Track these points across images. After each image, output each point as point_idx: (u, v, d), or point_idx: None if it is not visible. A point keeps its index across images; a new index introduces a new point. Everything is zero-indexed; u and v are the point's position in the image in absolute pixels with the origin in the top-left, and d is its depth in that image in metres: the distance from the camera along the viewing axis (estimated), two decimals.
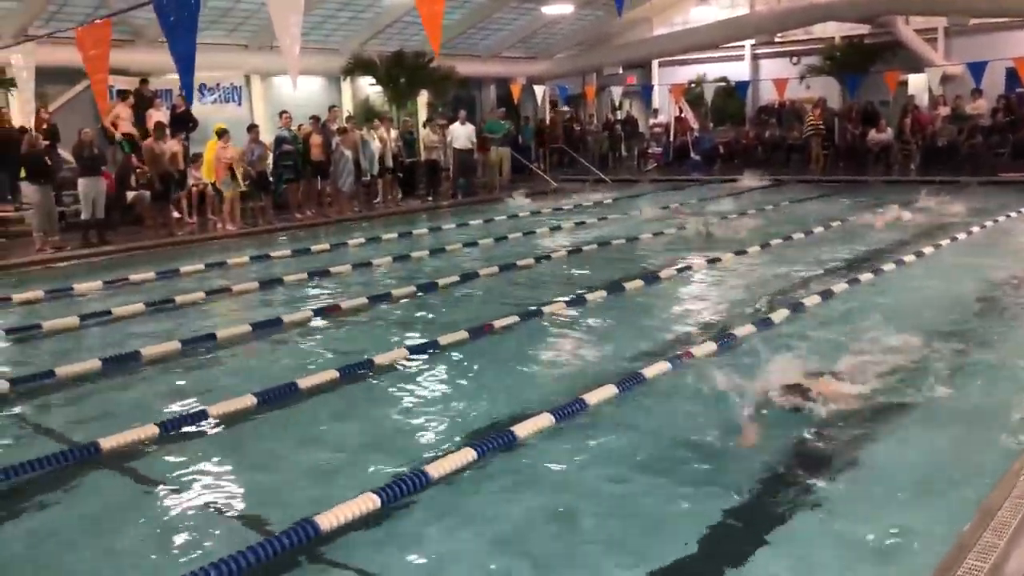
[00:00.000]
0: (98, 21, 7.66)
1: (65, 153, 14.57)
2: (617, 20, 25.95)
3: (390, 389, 5.99)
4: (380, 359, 6.47)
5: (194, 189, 14.66)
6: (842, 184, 18.67)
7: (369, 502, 3.93)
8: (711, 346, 6.46)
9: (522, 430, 4.80)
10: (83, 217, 13.10)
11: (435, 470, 4.29)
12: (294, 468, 4.72)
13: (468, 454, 4.49)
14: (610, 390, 5.46)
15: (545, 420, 4.95)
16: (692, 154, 23.59)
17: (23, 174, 12.87)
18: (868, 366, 5.70)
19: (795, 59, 25.31)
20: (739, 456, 4.54)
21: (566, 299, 8.36)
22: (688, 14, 27.06)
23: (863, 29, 23.34)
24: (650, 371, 5.84)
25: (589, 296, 8.50)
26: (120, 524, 4.12)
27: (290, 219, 15.54)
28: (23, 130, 13.71)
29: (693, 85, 25.60)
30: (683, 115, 24.67)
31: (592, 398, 5.31)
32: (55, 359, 6.90)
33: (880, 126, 20.60)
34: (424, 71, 19.80)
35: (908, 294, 8.23)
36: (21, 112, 15.60)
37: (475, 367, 6.49)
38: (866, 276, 8.85)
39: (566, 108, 26.66)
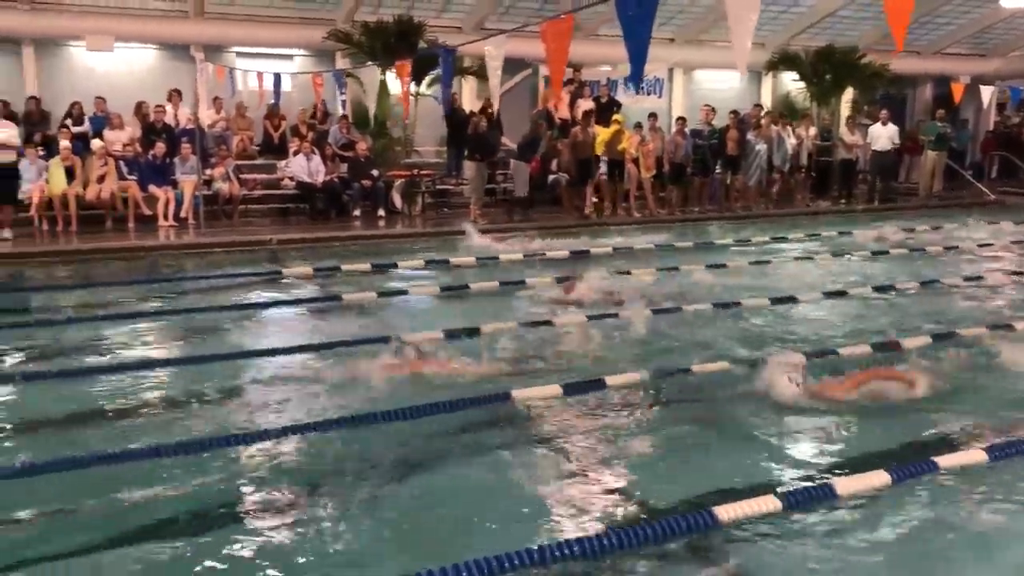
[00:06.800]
0: (563, 16, 8.41)
1: (505, 138, 16.02)
2: None
3: None
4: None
5: (602, 178, 15.31)
6: None
7: (770, 503, 3.79)
8: None
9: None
10: (515, 195, 14.44)
11: (843, 487, 4.01)
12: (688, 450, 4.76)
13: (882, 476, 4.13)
14: None
15: None
16: None
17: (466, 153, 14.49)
18: None
19: None
20: None
21: None
22: None
23: None
24: None
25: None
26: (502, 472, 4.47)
27: (700, 211, 15.70)
28: (472, 114, 15.36)
29: None
30: None
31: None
32: (479, 317, 7.59)
33: None
34: (853, 66, 18.62)
35: None
36: (468, 98, 17.56)
37: None
38: None
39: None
